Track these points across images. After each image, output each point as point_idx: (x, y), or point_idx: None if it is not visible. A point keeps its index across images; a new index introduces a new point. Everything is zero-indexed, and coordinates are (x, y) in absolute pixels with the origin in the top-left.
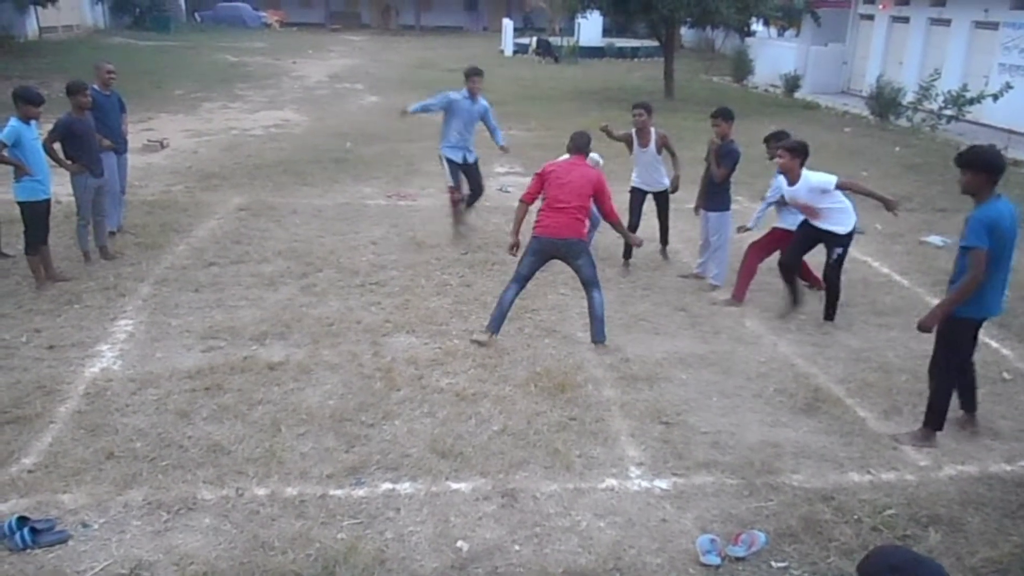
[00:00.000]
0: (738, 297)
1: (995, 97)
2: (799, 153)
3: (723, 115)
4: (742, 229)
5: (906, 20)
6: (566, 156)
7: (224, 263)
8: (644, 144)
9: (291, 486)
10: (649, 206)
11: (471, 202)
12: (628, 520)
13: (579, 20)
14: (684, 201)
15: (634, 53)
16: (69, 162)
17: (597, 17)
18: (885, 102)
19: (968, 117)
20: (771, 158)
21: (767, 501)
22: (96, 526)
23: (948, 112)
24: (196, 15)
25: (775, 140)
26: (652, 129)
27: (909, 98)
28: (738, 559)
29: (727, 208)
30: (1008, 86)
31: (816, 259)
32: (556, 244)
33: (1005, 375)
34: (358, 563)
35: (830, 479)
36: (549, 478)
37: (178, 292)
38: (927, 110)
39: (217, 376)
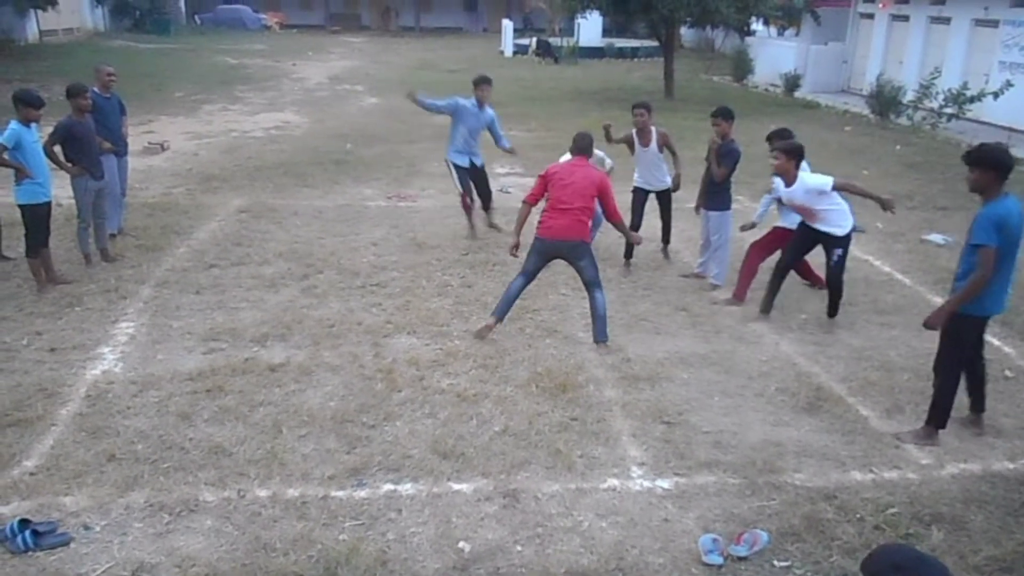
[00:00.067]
0: (739, 297)
1: (995, 95)
2: (794, 155)
3: (723, 114)
4: (745, 227)
5: (906, 18)
6: (567, 157)
7: (225, 265)
8: (645, 143)
9: (293, 487)
10: (651, 206)
11: (486, 207)
12: (630, 520)
13: (579, 20)
14: (685, 201)
15: (634, 53)
16: (69, 165)
17: (597, 17)
18: (885, 101)
19: (969, 115)
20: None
21: (769, 500)
22: (98, 528)
23: (948, 110)
24: (196, 17)
25: (778, 138)
26: (653, 128)
27: (909, 97)
28: (740, 559)
29: (728, 207)
30: (1008, 84)
31: (816, 259)
32: (559, 246)
33: (1007, 373)
34: (360, 564)
35: (832, 478)
36: (551, 478)
37: (179, 294)
38: (927, 108)
39: (218, 378)
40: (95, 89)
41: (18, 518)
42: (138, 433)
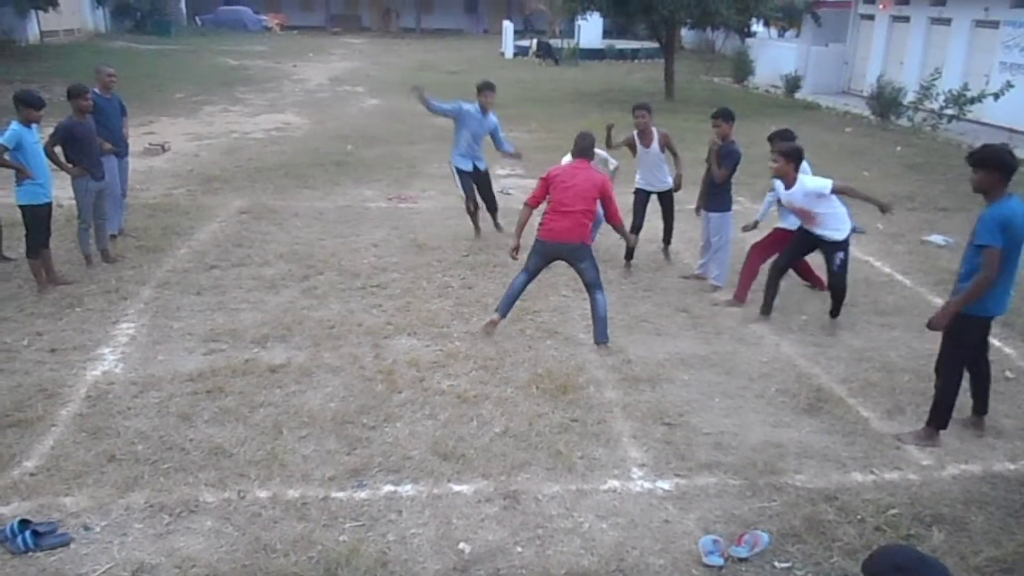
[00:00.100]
0: (740, 298)
1: (996, 96)
2: (793, 157)
3: (723, 116)
4: (747, 227)
5: (906, 20)
6: (568, 159)
7: (225, 266)
8: (647, 144)
9: (293, 488)
10: (651, 208)
11: (491, 212)
12: (630, 521)
13: (579, 22)
14: (685, 202)
15: (634, 55)
16: (70, 166)
17: (597, 19)
18: (886, 102)
19: (969, 116)
20: None
21: (770, 501)
22: (98, 529)
23: (949, 111)
24: (197, 19)
25: (780, 139)
26: (654, 129)
27: (910, 98)
28: (741, 560)
29: (728, 209)
30: (1009, 85)
31: (816, 259)
32: (559, 248)
33: (1008, 374)
34: (360, 566)
35: (833, 479)
36: (551, 480)
37: (180, 295)
38: (928, 110)
39: (219, 379)
40: (96, 90)
41: (18, 518)
42: (138, 434)
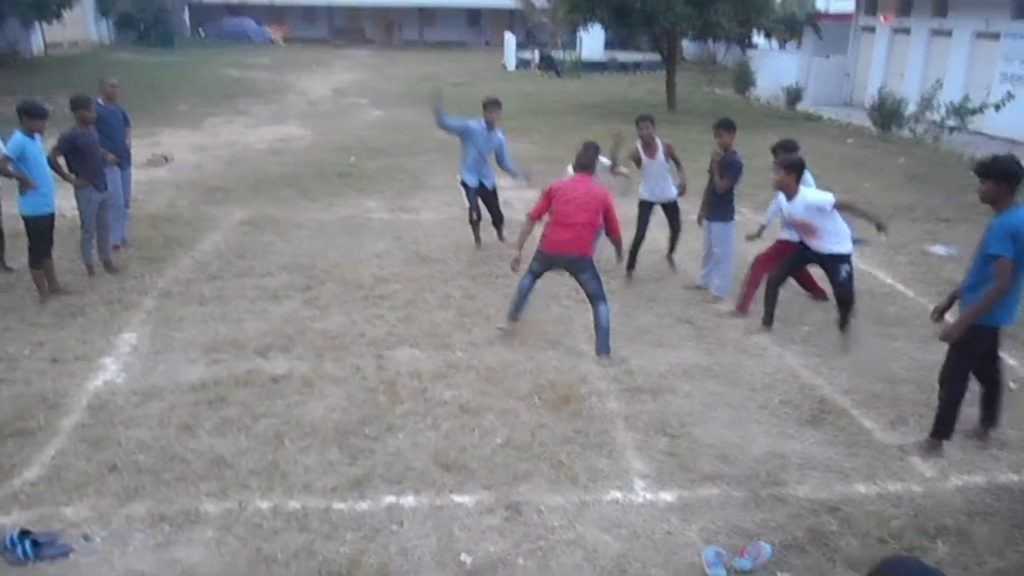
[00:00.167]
0: (743, 309)
1: (997, 107)
2: (794, 169)
3: (725, 126)
4: (751, 236)
5: (907, 32)
6: (571, 170)
7: (228, 276)
8: (651, 155)
9: (294, 499)
10: (654, 220)
11: (497, 226)
12: (633, 533)
13: (581, 34)
14: (687, 212)
15: (636, 66)
16: (73, 176)
17: (599, 31)
18: (887, 113)
19: (970, 127)
20: None
21: (773, 513)
22: (98, 539)
23: (950, 123)
24: (200, 31)
25: (783, 149)
26: (658, 140)
27: (911, 109)
28: (744, 572)
29: (731, 219)
30: (1010, 96)
31: (818, 269)
32: (561, 259)
33: (1012, 385)
34: None
35: (836, 490)
36: (553, 491)
37: (182, 305)
38: (929, 121)
39: (220, 389)
40: (99, 100)
41: (18, 528)
42: (139, 444)
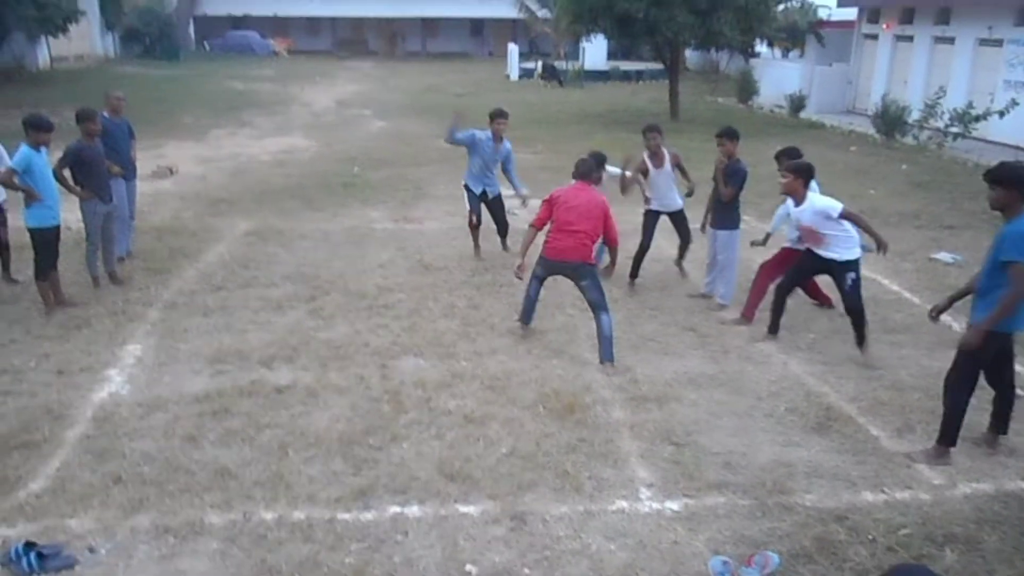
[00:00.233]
0: (748, 316)
1: (1001, 114)
2: (802, 173)
3: (728, 135)
4: (756, 243)
5: (910, 39)
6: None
7: (232, 287)
8: (659, 165)
9: (299, 510)
10: (662, 228)
11: (501, 235)
12: (639, 542)
13: (584, 44)
14: (691, 221)
15: (639, 76)
16: (79, 188)
17: (602, 41)
18: (891, 120)
19: (975, 134)
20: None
21: (780, 522)
22: (103, 551)
23: (954, 130)
24: (205, 44)
25: (786, 157)
26: (665, 150)
27: (915, 116)
28: None
29: (736, 227)
30: (1014, 102)
31: (824, 277)
32: (563, 266)
33: (1020, 392)
34: None
35: (843, 498)
36: (559, 500)
37: (186, 316)
38: (933, 128)
39: (225, 400)
40: (105, 113)
41: (23, 540)
42: (144, 455)
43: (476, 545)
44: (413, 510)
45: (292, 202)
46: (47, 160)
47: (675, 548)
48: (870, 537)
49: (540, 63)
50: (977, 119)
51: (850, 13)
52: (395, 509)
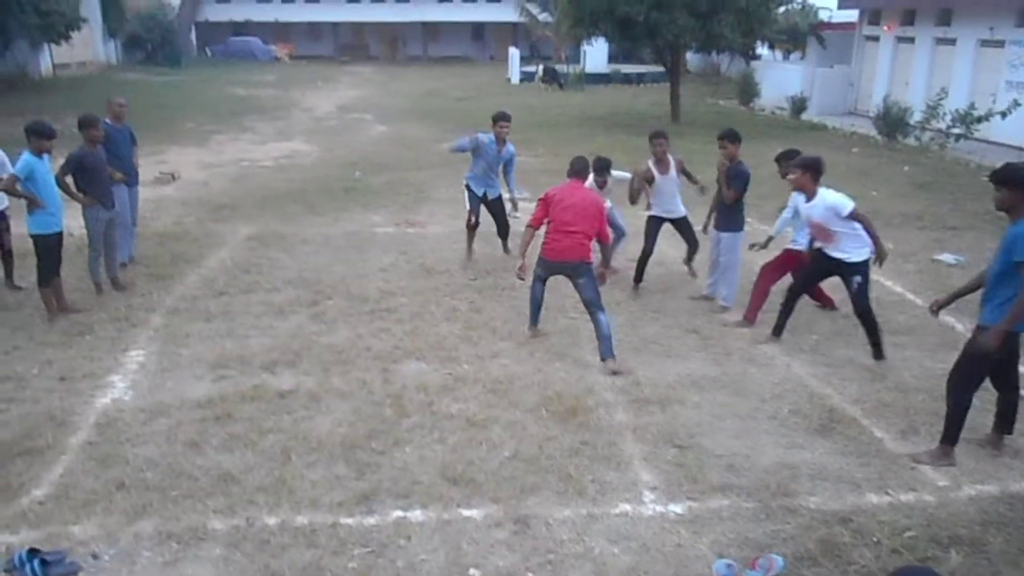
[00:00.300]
0: (750, 318)
1: (1003, 115)
2: (811, 168)
3: (729, 137)
4: (755, 247)
5: (911, 40)
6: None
7: (234, 292)
8: (664, 172)
9: (301, 515)
10: (665, 232)
11: (502, 236)
12: (643, 545)
13: (585, 47)
14: (694, 224)
15: (640, 79)
16: (81, 195)
17: (602, 44)
18: (892, 122)
19: (977, 135)
20: (783, 176)
21: (784, 524)
22: (106, 557)
23: (956, 131)
24: (207, 50)
25: (786, 159)
26: (670, 156)
27: (916, 117)
28: None
29: (740, 229)
30: (1016, 103)
31: (829, 280)
32: (562, 266)
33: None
34: None
35: (848, 501)
36: (562, 504)
37: (189, 322)
38: (935, 129)
39: (227, 405)
40: (107, 120)
41: (27, 547)
42: (147, 461)
43: (479, 549)
44: (416, 514)
45: (294, 207)
46: (49, 167)
47: (679, 551)
48: (875, 539)
49: (541, 67)
50: (979, 120)
51: (851, 15)
52: (398, 513)
